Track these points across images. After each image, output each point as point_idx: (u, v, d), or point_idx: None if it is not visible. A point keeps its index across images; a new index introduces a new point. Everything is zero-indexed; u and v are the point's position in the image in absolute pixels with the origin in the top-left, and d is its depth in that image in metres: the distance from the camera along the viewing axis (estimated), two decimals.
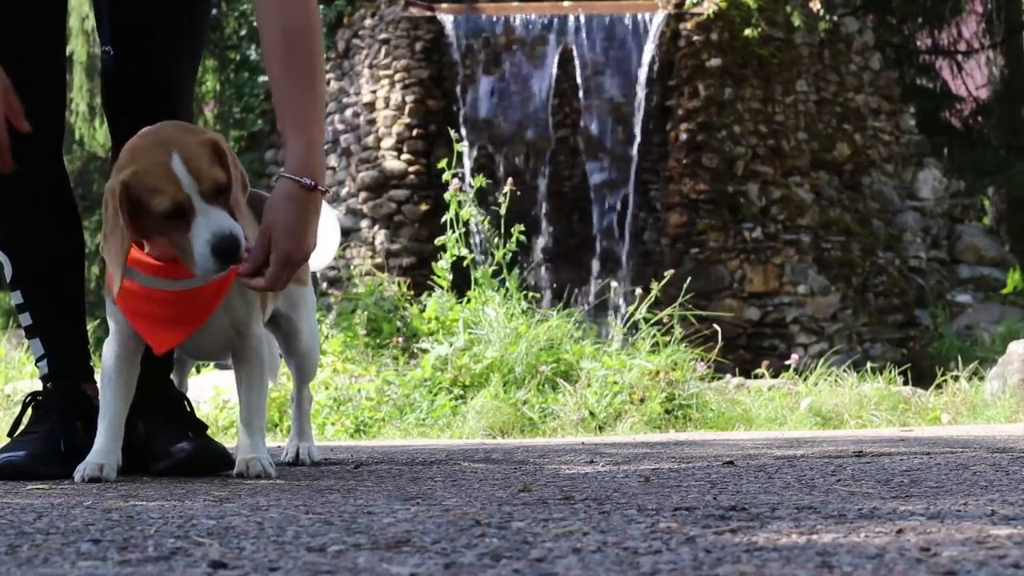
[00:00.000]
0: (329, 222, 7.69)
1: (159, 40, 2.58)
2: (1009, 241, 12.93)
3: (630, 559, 1.23)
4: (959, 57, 14.25)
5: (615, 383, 5.85)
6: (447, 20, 9.74)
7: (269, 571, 1.19)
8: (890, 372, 7.03)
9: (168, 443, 2.56)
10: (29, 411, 2.61)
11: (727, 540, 1.35)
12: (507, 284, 6.48)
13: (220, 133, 12.35)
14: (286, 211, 2.31)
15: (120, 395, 2.43)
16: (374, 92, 10.00)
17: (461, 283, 6.69)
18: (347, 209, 10.05)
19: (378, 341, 6.80)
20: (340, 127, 10.35)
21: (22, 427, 2.57)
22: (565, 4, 9.60)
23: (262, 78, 10.98)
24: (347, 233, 9.67)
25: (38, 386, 2.65)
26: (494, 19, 9.66)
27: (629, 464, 2.74)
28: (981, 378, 6.76)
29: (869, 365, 7.27)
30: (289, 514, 1.70)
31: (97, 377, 2.58)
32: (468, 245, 6.70)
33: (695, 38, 9.47)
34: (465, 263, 6.57)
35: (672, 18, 9.54)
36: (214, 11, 13.46)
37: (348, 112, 10.28)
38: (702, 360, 6.18)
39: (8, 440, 2.59)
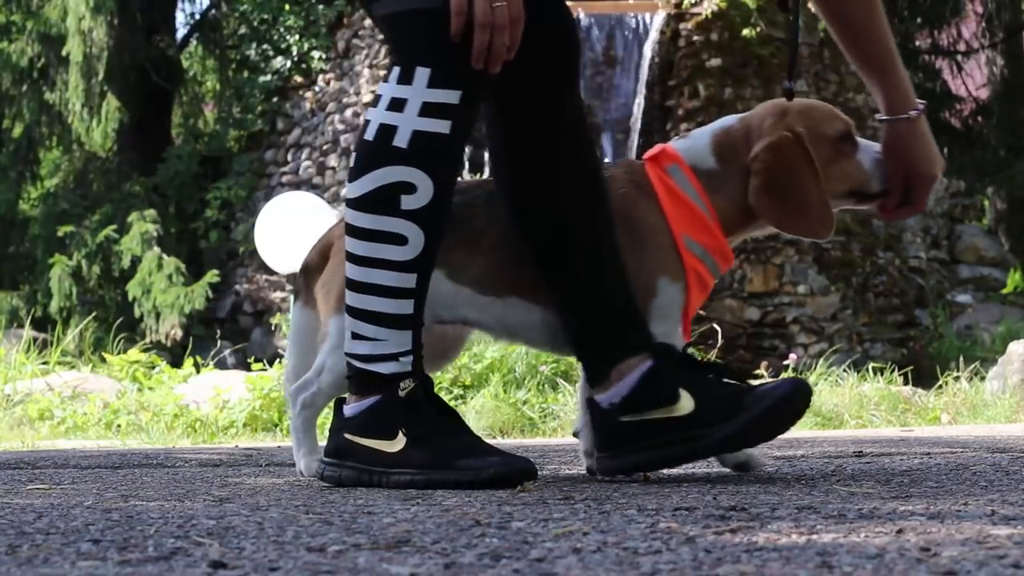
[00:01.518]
0: (328, 220, 7.69)
1: None
2: (1009, 241, 12.94)
3: (630, 559, 1.24)
4: (959, 57, 14.25)
5: None
6: None
7: (269, 571, 1.19)
8: (890, 372, 7.03)
9: (745, 393, 2.20)
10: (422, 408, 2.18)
11: (727, 540, 1.35)
12: None
13: (221, 133, 12.31)
14: (913, 143, 2.33)
15: None
16: (374, 92, 10.01)
17: None
18: None
19: None
20: (340, 127, 10.35)
21: (453, 427, 2.18)
22: None
23: (262, 78, 10.98)
24: None
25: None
26: None
27: None
28: (981, 378, 6.77)
29: (869, 365, 7.28)
30: (289, 514, 1.70)
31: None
32: None
33: (695, 38, 9.47)
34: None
35: (672, 18, 9.53)
36: (213, 11, 13.47)
37: (348, 112, 10.28)
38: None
39: (403, 442, 2.15)
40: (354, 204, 2.18)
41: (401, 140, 2.13)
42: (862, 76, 2.39)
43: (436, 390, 2.21)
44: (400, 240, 2.14)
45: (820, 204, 2.26)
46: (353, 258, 2.18)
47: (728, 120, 2.37)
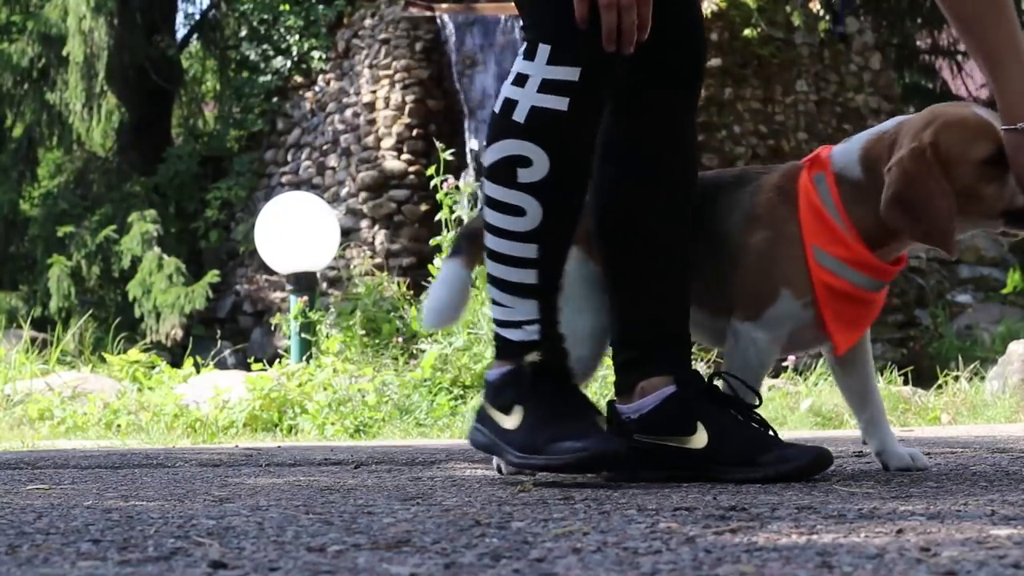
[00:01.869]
0: (328, 221, 7.69)
1: None
2: (1009, 241, 12.93)
3: (630, 559, 1.23)
4: (959, 57, 14.24)
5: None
6: (447, 20, 9.74)
7: (269, 571, 1.19)
8: (890, 372, 7.02)
9: (770, 448, 2.18)
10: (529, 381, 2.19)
11: (727, 540, 1.35)
12: None
13: (221, 133, 12.26)
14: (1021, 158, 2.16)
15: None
16: (374, 92, 10.00)
17: None
18: (347, 209, 10.05)
19: (377, 341, 6.81)
20: (340, 127, 10.35)
21: (548, 406, 2.17)
22: None
23: (262, 78, 10.98)
24: (347, 233, 9.67)
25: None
26: (494, 19, 9.66)
27: None
28: (981, 378, 6.76)
29: None
30: (289, 514, 1.70)
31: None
32: None
33: None
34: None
35: None
36: (213, 11, 13.46)
37: (348, 112, 10.28)
38: (702, 360, 6.18)
39: (516, 420, 2.17)
40: (486, 174, 2.25)
41: (520, 115, 2.17)
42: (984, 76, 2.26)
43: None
44: (518, 211, 2.18)
45: (943, 221, 2.15)
46: (487, 226, 2.24)
47: (886, 125, 2.28)
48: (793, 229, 2.23)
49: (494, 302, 2.24)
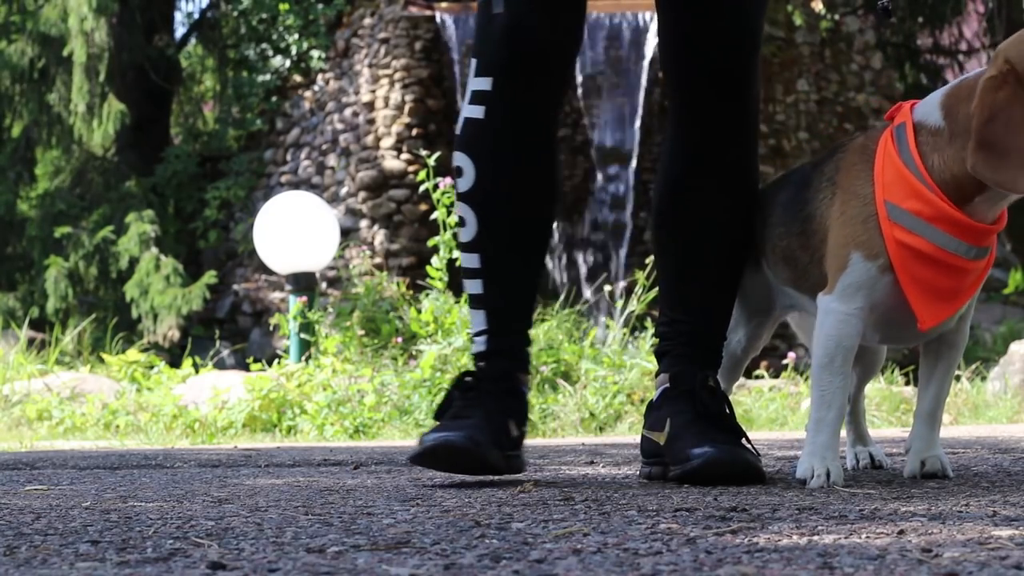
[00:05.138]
0: (328, 221, 7.68)
1: None
2: (1010, 241, 12.93)
3: (631, 560, 1.23)
4: (960, 57, 14.24)
5: (615, 383, 5.84)
6: (446, 19, 9.73)
7: (268, 572, 1.19)
8: (891, 372, 7.02)
9: (689, 446, 2.15)
10: (457, 393, 2.27)
11: (728, 541, 1.35)
12: None
13: (220, 133, 12.23)
14: None
15: (849, 380, 2.06)
16: (373, 92, 9.99)
17: (460, 283, 6.69)
18: (346, 209, 10.04)
19: (376, 341, 6.80)
20: (339, 127, 10.34)
21: (452, 410, 2.24)
22: None
23: (261, 77, 10.98)
24: (346, 233, 9.67)
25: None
26: None
27: (629, 465, 2.74)
28: (983, 378, 6.76)
29: None
30: (288, 515, 1.69)
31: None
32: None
33: None
34: (457, 263, 6.58)
35: None
36: (212, 10, 13.46)
37: (347, 111, 10.27)
38: None
39: (433, 423, 2.25)
40: None
41: (458, 128, 2.27)
42: None
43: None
44: (462, 222, 2.26)
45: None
46: None
47: (975, 71, 2.02)
48: (865, 188, 2.02)
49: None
